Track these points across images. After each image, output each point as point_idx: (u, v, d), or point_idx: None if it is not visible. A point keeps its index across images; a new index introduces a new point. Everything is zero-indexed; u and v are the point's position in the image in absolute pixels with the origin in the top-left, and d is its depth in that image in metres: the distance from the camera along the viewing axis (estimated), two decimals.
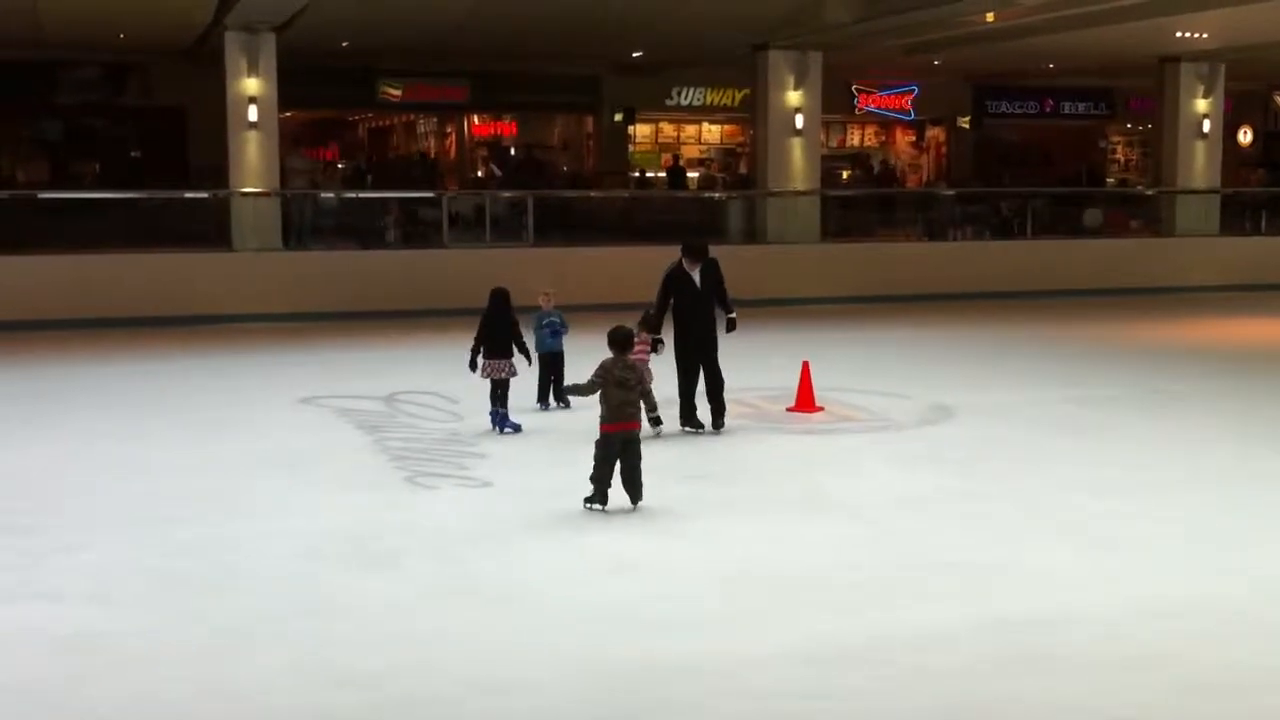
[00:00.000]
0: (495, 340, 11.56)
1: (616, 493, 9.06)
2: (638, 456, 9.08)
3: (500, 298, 11.76)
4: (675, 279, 11.70)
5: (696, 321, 11.64)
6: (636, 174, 29.62)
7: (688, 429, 11.56)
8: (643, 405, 9.34)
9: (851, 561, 8.05)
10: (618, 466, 9.05)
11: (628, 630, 6.86)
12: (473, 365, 11.61)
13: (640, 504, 9.06)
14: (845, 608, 7.21)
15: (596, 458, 9.02)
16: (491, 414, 11.58)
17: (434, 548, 8.25)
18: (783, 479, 10.06)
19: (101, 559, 8.01)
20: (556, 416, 12.11)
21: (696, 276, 11.71)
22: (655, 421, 9.86)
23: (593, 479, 9.00)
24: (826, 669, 6.34)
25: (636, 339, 10.39)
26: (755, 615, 7.09)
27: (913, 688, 6.13)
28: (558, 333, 12.27)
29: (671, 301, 11.65)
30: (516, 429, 11.53)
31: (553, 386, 12.20)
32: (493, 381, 11.61)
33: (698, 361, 11.62)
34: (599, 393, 9.18)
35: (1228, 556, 8.19)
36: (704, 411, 11.64)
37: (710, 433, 11.56)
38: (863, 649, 6.57)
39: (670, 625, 6.92)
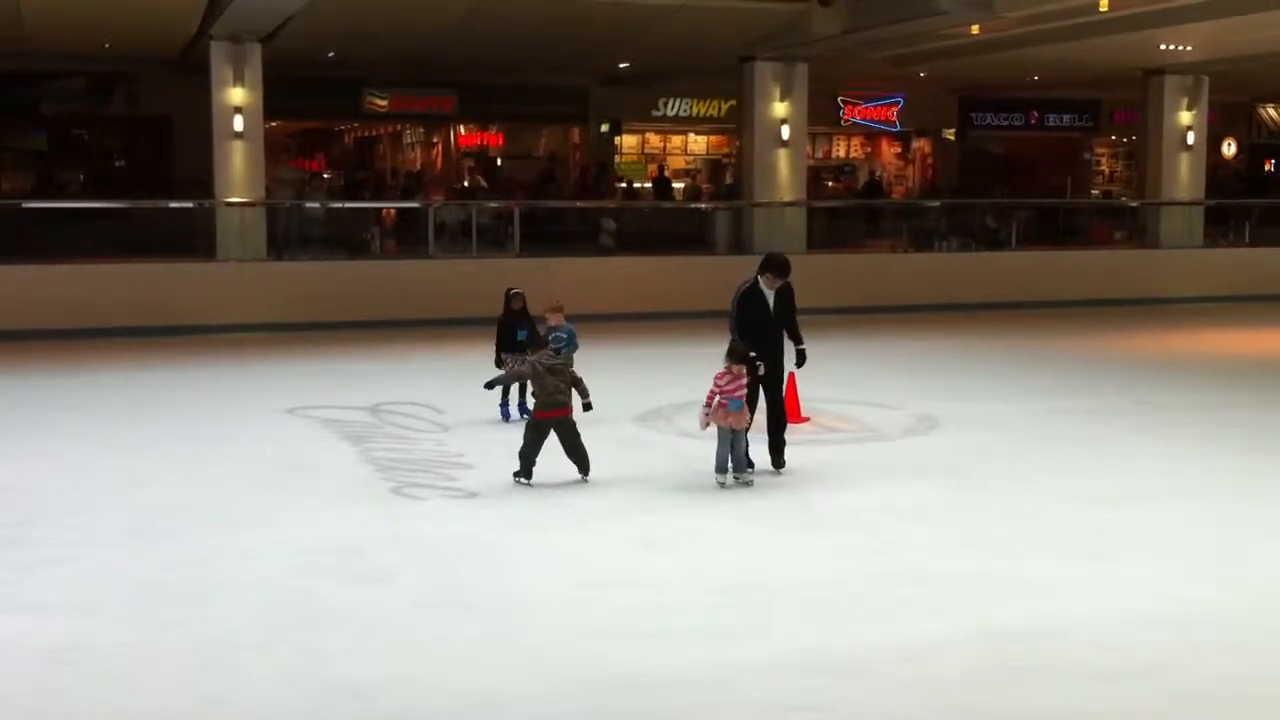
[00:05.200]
0: (514, 339, 12.15)
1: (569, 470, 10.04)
2: (575, 436, 10.05)
3: (517, 300, 12.47)
4: (748, 299, 10.54)
5: (766, 351, 10.41)
6: (623, 184, 29.61)
7: (777, 469, 10.53)
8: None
9: (843, 572, 8.06)
10: (559, 447, 9.99)
11: (621, 642, 6.85)
12: (499, 362, 12.15)
13: (589, 475, 10.01)
14: (837, 618, 7.22)
15: (526, 439, 10.03)
16: (501, 406, 12.26)
17: (422, 559, 8.24)
18: (773, 490, 10.06)
19: (88, 571, 7.97)
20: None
21: (771, 298, 10.54)
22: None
23: (520, 455, 10.00)
24: (819, 680, 6.33)
25: (727, 371, 9.99)
26: (744, 626, 7.10)
27: (906, 699, 6.12)
28: (559, 350, 11.86)
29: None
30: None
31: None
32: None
33: (756, 394, 10.43)
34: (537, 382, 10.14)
35: (1221, 567, 8.21)
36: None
37: (770, 473, 10.49)
38: (856, 660, 6.57)
39: (664, 637, 6.91)
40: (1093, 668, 6.47)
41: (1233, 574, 8.06)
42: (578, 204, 26.14)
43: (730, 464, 10.08)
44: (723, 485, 9.99)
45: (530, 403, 11.87)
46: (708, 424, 10.06)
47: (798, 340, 10.73)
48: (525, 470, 10.00)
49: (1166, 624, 7.12)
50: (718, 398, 9.97)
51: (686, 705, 6.06)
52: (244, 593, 7.58)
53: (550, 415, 10.00)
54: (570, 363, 10.82)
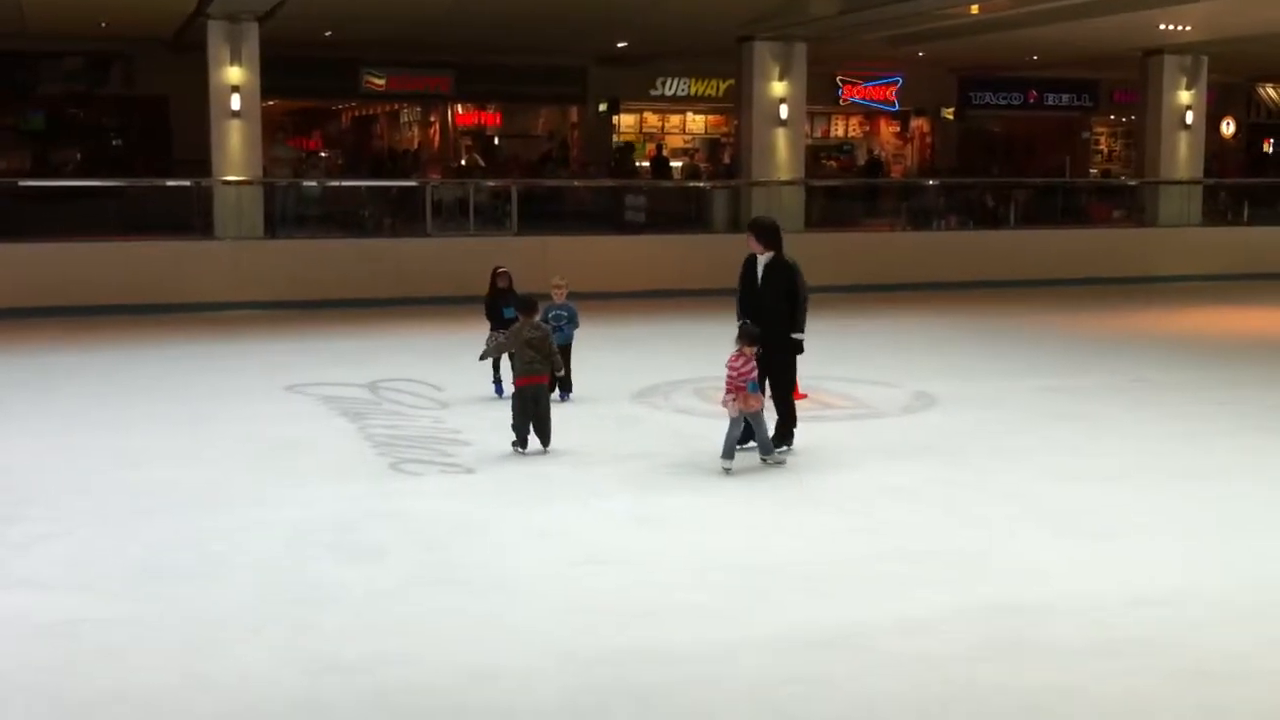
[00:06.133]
0: (502, 316, 12.14)
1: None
2: (546, 406, 10.42)
3: (503, 279, 12.54)
4: (744, 266, 10.26)
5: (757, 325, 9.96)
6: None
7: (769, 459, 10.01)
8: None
9: (835, 549, 8.06)
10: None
11: (611, 618, 6.85)
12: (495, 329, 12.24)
13: (550, 447, 10.29)
14: (829, 595, 7.22)
15: (514, 410, 10.33)
16: (495, 383, 12.32)
17: (418, 536, 8.23)
18: (766, 467, 10.05)
19: (84, 548, 7.98)
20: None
21: (760, 267, 10.18)
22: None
23: (514, 428, 10.30)
24: (809, 656, 6.34)
25: (739, 354, 9.71)
26: (738, 603, 7.09)
27: (897, 675, 6.13)
28: (561, 328, 11.92)
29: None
30: None
31: (557, 381, 12.08)
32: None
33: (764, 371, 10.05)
34: (516, 351, 10.49)
35: (1220, 545, 8.21)
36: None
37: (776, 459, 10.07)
38: (846, 637, 6.57)
39: (659, 613, 6.91)
40: (1090, 644, 6.47)
41: (1232, 552, 8.06)
42: (575, 183, 26.11)
43: (753, 448, 9.97)
44: (728, 471, 9.71)
45: (505, 378, 12.02)
46: (737, 410, 9.73)
47: (793, 328, 10.15)
48: (521, 440, 10.30)
49: (1164, 601, 7.12)
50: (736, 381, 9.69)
51: (681, 681, 6.06)
52: (241, 570, 7.58)
53: (528, 382, 10.31)
54: (569, 340, 11.71)
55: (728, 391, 9.78)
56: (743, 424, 9.84)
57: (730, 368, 9.76)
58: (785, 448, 10.33)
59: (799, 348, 10.30)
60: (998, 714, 5.77)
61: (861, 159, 31.51)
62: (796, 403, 11.02)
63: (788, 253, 10.35)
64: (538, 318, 10.74)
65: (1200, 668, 6.24)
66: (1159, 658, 6.35)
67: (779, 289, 10.21)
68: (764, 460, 9.98)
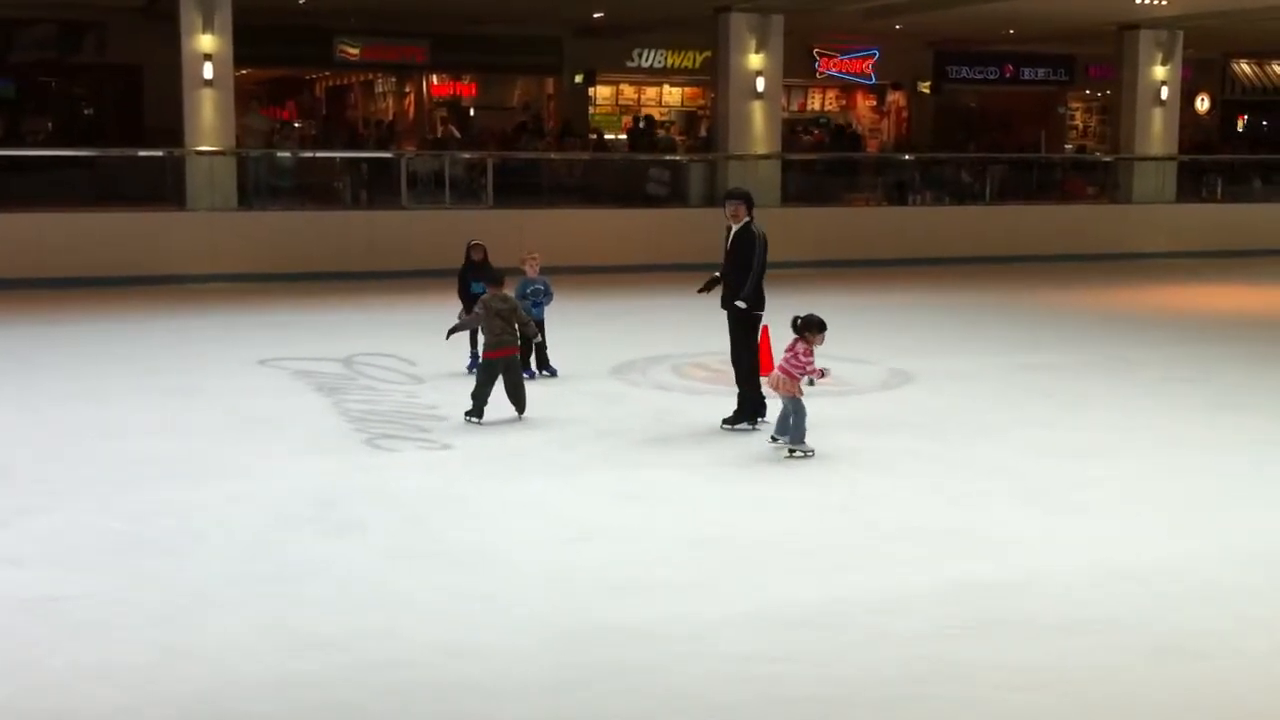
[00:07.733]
0: (471, 291, 12.06)
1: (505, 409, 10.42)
2: (519, 375, 10.57)
3: (477, 251, 12.46)
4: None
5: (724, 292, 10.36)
6: (595, 136, 29.46)
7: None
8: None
9: (814, 525, 8.08)
10: (500, 385, 10.36)
11: (591, 594, 6.86)
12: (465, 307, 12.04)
13: (524, 415, 10.42)
14: (808, 571, 7.23)
15: (478, 379, 10.44)
16: (471, 358, 12.09)
17: (396, 511, 8.21)
18: (744, 443, 10.05)
19: (62, 523, 7.92)
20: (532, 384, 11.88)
21: (730, 235, 10.28)
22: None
23: (473, 396, 10.35)
24: (789, 632, 6.35)
25: (807, 347, 9.55)
26: (718, 579, 7.11)
27: (875, 651, 6.15)
28: (539, 303, 12.02)
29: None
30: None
31: (534, 355, 12.08)
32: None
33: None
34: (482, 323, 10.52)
35: (1192, 521, 8.26)
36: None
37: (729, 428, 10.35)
38: (826, 612, 6.59)
39: (634, 589, 6.92)
40: (1067, 621, 6.51)
41: (1209, 529, 8.11)
42: (552, 155, 25.99)
43: (745, 429, 10.17)
44: (810, 454, 9.53)
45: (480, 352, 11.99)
46: (788, 391, 9.59)
47: (739, 294, 10.17)
48: (477, 410, 10.33)
49: (1142, 578, 7.15)
50: (815, 364, 9.59)
51: (661, 656, 6.07)
52: (218, 544, 7.55)
53: (498, 355, 10.38)
54: (542, 315, 11.67)
55: (793, 379, 9.58)
56: (803, 409, 9.60)
57: (800, 358, 9.56)
58: (745, 424, 10.35)
59: (745, 316, 10.24)
60: (976, 692, 5.79)
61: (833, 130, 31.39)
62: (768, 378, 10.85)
63: (757, 223, 10.30)
64: (513, 292, 10.75)
65: (1178, 645, 6.28)
66: (1137, 634, 6.38)
67: (734, 257, 10.22)
68: (775, 437, 9.79)
